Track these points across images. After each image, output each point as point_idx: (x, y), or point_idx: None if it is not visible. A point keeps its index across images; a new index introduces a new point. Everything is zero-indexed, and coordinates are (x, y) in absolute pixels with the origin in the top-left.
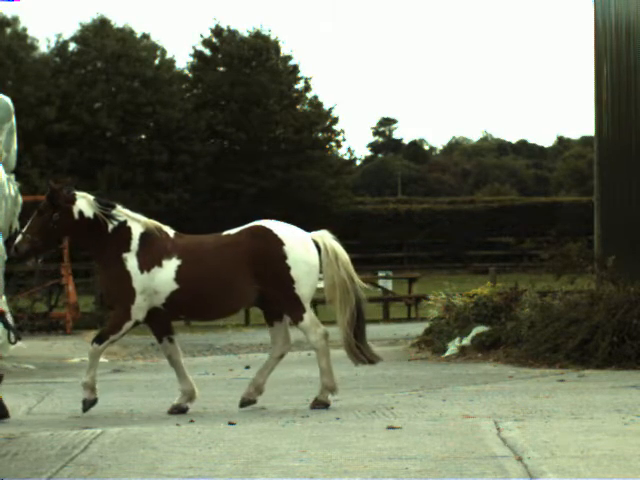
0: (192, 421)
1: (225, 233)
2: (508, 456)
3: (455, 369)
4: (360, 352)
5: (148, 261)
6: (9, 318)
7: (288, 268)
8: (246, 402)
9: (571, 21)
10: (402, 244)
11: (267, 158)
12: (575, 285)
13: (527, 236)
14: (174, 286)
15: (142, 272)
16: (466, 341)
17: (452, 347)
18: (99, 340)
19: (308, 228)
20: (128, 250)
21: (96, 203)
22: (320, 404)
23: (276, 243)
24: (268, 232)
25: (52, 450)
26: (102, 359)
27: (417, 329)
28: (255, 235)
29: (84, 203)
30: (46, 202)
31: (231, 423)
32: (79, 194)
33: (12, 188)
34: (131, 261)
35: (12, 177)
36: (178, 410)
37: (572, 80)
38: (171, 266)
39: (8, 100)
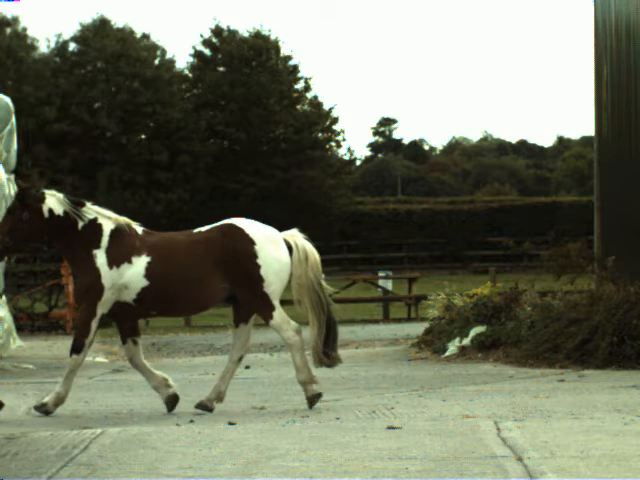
0: (192, 421)
1: (196, 230)
2: (508, 456)
3: (455, 369)
4: (325, 355)
5: (117, 258)
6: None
7: (258, 267)
8: (202, 406)
9: (571, 21)
10: (402, 244)
11: (267, 158)
12: (575, 285)
13: (527, 236)
14: (144, 282)
15: (111, 268)
16: (466, 341)
17: (452, 347)
18: (77, 350)
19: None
20: (98, 247)
21: (66, 201)
22: (314, 398)
23: (247, 242)
24: (239, 231)
25: (52, 450)
26: (102, 359)
27: (417, 329)
28: (226, 233)
29: (54, 201)
30: (15, 202)
31: (231, 423)
32: (48, 192)
33: (12, 188)
34: (101, 258)
35: (12, 177)
36: (172, 401)
37: (572, 80)
38: (141, 263)
39: (8, 100)
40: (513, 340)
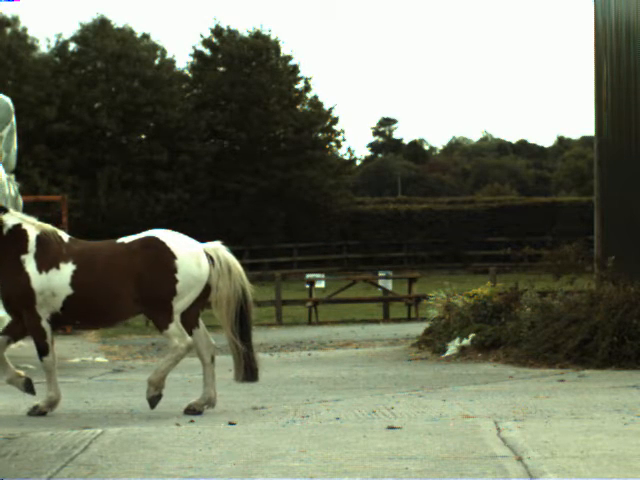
0: (192, 421)
1: (119, 241)
2: (508, 456)
3: (455, 369)
4: (244, 366)
5: (46, 263)
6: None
7: (175, 282)
8: (190, 411)
9: (571, 21)
10: (402, 244)
11: (267, 158)
12: (575, 285)
13: (527, 236)
14: (69, 291)
15: (40, 273)
16: (466, 341)
17: (452, 347)
18: (43, 352)
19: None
20: (26, 252)
21: None
22: (154, 399)
23: (168, 256)
24: (161, 244)
25: (52, 450)
26: (102, 359)
27: (417, 329)
28: (148, 246)
29: None
30: None
31: (231, 423)
32: None
33: (12, 188)
34: (30, 263)
35: (12, 177)
36: (29, 384)
37: (572, 80)
38: (67, 271)
39: (8, 100)
40: (513, 340)
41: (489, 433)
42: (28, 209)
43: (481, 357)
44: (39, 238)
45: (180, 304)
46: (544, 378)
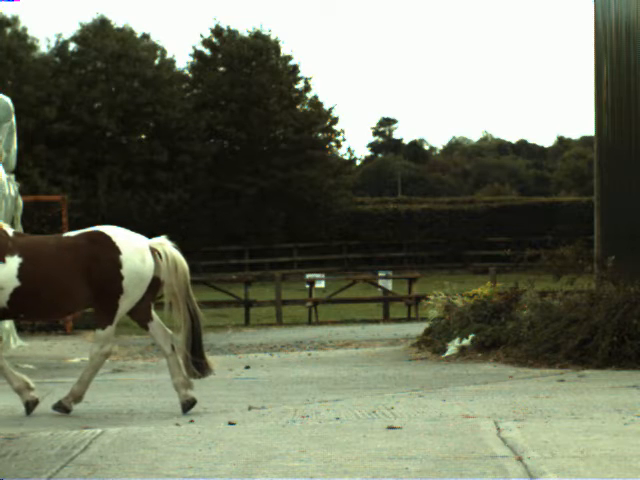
0: (192, 421)
1: (65, 235)
2: (508, 456)
3: (455, 369)
4: (195, 365)
5: None
6: None
7: (121, 278)
8: (186, 406)
9: (571, 21)
10: (402, 244)
11: (267, 158)
12: (575, 285)
13: (527, 235)
14: (16, 283)
15: None
16: (466, 341)
17: (452, 347)
18: None
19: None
20: None
21: None
22: (61, 407)
23: (113, 251)
24: (106, 239)
25: (52, 450)
26: None
27: (417, 329)
28: (93, 241)
29: None
30: None
31: (231, 423)
32: None
33: (12, 188)
34: None
35: (12, 177)
36: None
37: (572, 80)
38: (13, 264)
39: (8, 100)
40: (513, 340)
41: (489, 433)
42: (28, 209)
43: (481, 357)
44: None
45: (127, 302)
46: (544, 378)
